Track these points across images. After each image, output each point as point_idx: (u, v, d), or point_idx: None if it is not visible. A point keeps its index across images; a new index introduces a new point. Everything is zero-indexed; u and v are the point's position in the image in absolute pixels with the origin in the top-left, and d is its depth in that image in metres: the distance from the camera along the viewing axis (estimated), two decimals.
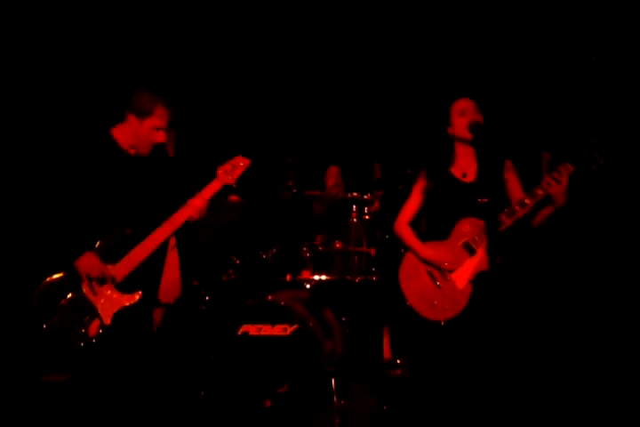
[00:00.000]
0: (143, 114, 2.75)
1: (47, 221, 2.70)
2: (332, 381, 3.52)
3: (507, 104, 4.35)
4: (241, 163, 2.93)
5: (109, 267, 2.74)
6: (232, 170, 2.92)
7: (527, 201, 2.82)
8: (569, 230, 4.09)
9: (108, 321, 2.69)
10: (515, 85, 4.54)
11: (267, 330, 3.62)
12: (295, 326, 3.60)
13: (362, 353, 4.10)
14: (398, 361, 4.24)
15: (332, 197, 4.45)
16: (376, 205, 4.15)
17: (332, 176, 4.85)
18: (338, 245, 4.09)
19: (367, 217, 4.11)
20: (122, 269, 2.76)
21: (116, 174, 2.78)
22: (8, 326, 2.84)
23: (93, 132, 2.81)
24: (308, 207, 4.47)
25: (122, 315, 2.74)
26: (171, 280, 5.16)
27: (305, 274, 4.03)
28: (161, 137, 2.80)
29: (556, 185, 2.76)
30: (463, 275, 2.94)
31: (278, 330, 3.61)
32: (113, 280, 2.73)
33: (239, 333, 3.63)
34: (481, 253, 2.92)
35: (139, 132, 2.77)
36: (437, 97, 4.47)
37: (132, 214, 2.85)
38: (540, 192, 2.80)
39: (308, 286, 3.99)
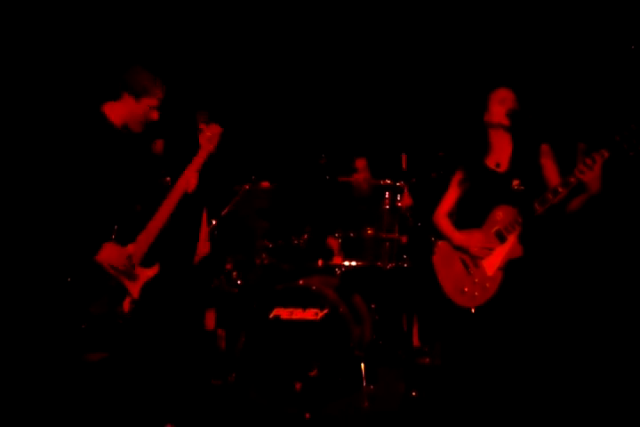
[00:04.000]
0: (140, 93, 2.74)
1: (54, 213, 2.60)
2: (362, 366, 3.55)
3: (543, 94, 4.30)
4: (216, 130, 2.98)
5: (129, 247, 2.76)
6: (212, 138, 2.96)
7: (560, 189, 2.81)
8: (604, 219, 4.05)
9: (136, 295, 2.76)
10: (552, 75, 4.49)
11: (298, 314, 3.66)
12: (326, 311, 3.63)
13: (391, 340, 4.12)
14: (427, 349, 4.26)
15: (360, 190, 4.47)
16: (406, 195, 4.15)
17: (359, 170, 4.84)
18: (369, 232, 4.10)
19: (399, 204, 4.11)
20: (139, 247, 2.79)
21: (112, 153, 2.75)
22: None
23: (85, 110, 2.76)
24: (342, 193, 4.48)
25: (148, 288, 2.81)
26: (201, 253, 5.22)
27: (336, 260, 4.06)
28: (155, 115, 2.81)
29: (589, 172, 2.72)
30: (493, 262, 2.95)
31: (309, 314, 3.65)
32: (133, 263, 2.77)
33: (271, 316, 3.68)
34: (512, 240, 2.93)
35: (135, 111, 2.76)
36: (470, 86, 4.47)
37: (134, 192, 2.87)
38: (572, 180, 2.78)
39: (337, 271, 4.02)
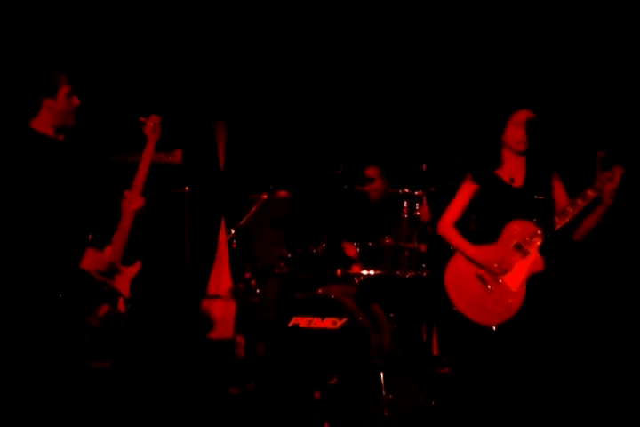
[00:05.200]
0: (53, 89, 2.79)
1: (29, 232, 2.66)
2: (381, 375, 3.54)
3: (562, 102, 4.30)
4: (157, 120, 3.06)
5: (107, 249, 2.85)
6: (154, 127, 3.04)
7: (579, 202, 2.81)
8: (623, 232, 4.02)
9: (127, 294, 2.85)
10: (570, 83, 4.48)
11: (316, 323, 3.67)
12: (344, 320, 3.63)
13: (410, 349, 4.11)
14: (446, 359, 4.24)
15: (375, 198, 4.47)
16: (424, 203, 4.15)
17: (373, 179, 4.82)
18: (388, 241, 4.10)
19: (418, 213, 4.11)
20: (116, 247, 2.87)
21: (57, 164, 2.80)
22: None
23: (16, 131, 2.79)
24: (360, 203, 4.49)
25: (136, 285, 2.90)
26: (220, 273, 5.28)
27: (355, 268, 4.06)
28: (76, 100, 2.86)
29: (609, 183, 2.75)
30: (516, 277, 2.89)
31: (328, 323, 3.65)
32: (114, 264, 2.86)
33: (290, 325, 3.68)
34: (534, 254, 2.88)
35: (59, 108, 2.80)
36: (489, 98, 4.47)
37: (94, 195, 2.94)
38: (590, 193, 2.79)
39: (356, 280, 4.01)
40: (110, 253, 2.85)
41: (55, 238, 2.70)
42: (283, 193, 4.56)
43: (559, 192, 2.97)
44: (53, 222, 2.72)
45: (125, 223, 2.90)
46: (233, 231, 4.36)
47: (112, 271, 2.82)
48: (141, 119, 3.04)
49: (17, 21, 4.31)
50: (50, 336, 2.65)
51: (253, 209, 4.37)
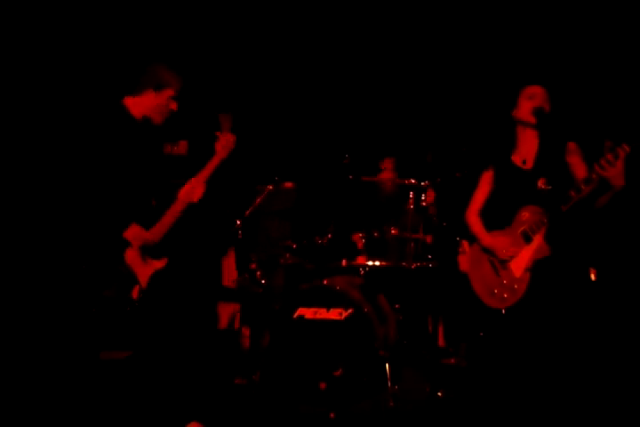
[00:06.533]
0: (161, 86, 2.91)
1: (81, 198, 2.77)
2: (387, 366, 3.53)
3: (572, 91, 4.25)
4: (231, 139, 3.09)
5: (149, 234, 2.93)
6: (226, 146, 3.08)
7: (583, 186, 2.76)
8: (631, 216, 3.99)
9: (145, 285, 2.91)
10: (581, 72, 4.43)
11: (322, 314, 3.66)
12: (350, 311, 3.62)
13: (415, 340, 4.10)
14: (452, 349, 4.23)
15: (385, 190, 4.45)
16: (430, 194, 4.13)
17: (386, 170, 4.82)
18: (393, 232, 4.09)
19: (424, 204, 4.09)
20: (155, 235, 2.95)
21: (132, 144, 2.91)
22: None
23: (106, 102, 2.91)
24: (366, 193, 4.47)
25: (155, 278, 2.96)
26: (226, 265, 5.28)
27: (360, 260, 4.05)
28: (174, 105, 2.98)
29: (611, 168, 2.66)
30: (520, 263, 2.93)
31: (333, 314, 3.64)
32: (148, 246, 2.93)
33: (295, 316, 3.68)
34: (537, 241, 2.90)
35: (156, 104, 2.92)
36: (497, 84, 4.43)
37: (151, 184, 3.04)
38: (594, 176, 2.73)
39: (361, 271, 4.00)
40: (151, 233, 2.92)
41: (104, 207, 2.78)
42: (288, 184, 4.55)
43: (578, 168, 2.93)
44: (104, 192, 2.79)
45: (176, 210, 2.96)
46: (238, 222, 4.35)
47: (145, 251, 2.88)
48: (217, 133, 3.09)
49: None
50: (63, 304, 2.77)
51: (259, 200, 4.36)
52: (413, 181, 4.08)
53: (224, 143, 3.06)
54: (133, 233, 2.85)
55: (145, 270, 2.91)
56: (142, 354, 2.96)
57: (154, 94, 2.91)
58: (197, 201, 3.03)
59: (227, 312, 4.65)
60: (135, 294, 2.88)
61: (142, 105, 2.93)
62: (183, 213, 3.00)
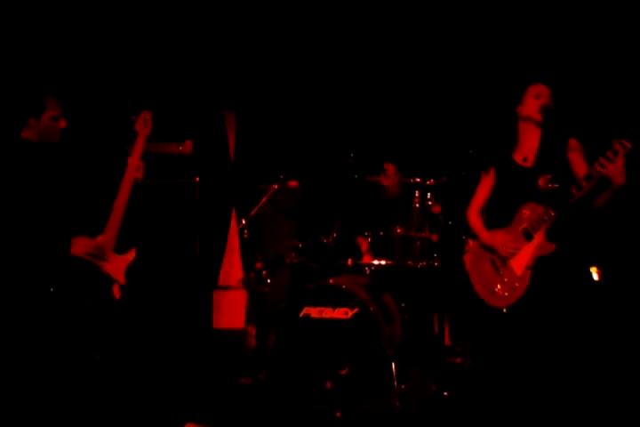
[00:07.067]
0: (38, 112, 2.97)
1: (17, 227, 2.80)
2: (393, 365, 3.53)
3: (576, 90, 4.24)
4: (147, 116, 3.21)
5: (98, 238, 2.96)
6: (145, 124, 3.20)
7: (583, 183, 2.74)
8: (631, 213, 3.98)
9: (123, 281, 2.96)
10: (585, 70, 4.42)
11: (328, 313, 3.66)
12: (356, 310, 3.62)
13: (421, 339, 4.10)
14: (458, 348, 4.22)
15: (390, 194, 4.45)
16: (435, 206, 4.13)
17: (389, 176, 4.80)
18: (399, 231, 4.08)
19: (430, 203, 4.09)
20: (109, 235, 2.99)
21: (48, 165, 2.99)
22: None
23: (10, 139, 3.00)
24: (371, 192, 4.47)
25: (132, 271, 3.02)
26: (231, 263, 5.29)
27: (366, 259, 4.05)
28: (63, 123, 3.04)
29: (611, 165, 2.65)
30: (521, 261, 2.92)
31: (339, 313, 3.64)
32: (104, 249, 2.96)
33: (301, 315, 3.68)
34: (538, 238, 2.89)
35: (42, 128, 2.99)
36: (500, 83, 4.42)
37: (85, 191, 3.11)
38: (594, 173, 2.72)
39: (367, 270, 4.00)
40: (102, 240, 2.95)
41: (41, 232, 2.84)
42: (293, 183, 4.56)
43: (579, 165, 2.92)
44: (39, 217, 2.85)
45: (122, 199, 3.02)
46: (244, 221, 4.36)
47: (101, 254, 2.91)
48: (133, 117, 3.21)
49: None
50: (47, 330, 2.74)
51: (264, 199, 4.37)
52: (419, 180, 4.08)
53: (142, 122, 3.19)
54: (82, 246, 2.87)
55: (117, 267, 2.96)
56: (132, 351, 2.99)
57: (34, 121, 2.96)
58: (141, 179, 3.12)
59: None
60: (117, 293, 2.91)
61: (34, 133, 2.99)
62: (131, 196, 3.05)
